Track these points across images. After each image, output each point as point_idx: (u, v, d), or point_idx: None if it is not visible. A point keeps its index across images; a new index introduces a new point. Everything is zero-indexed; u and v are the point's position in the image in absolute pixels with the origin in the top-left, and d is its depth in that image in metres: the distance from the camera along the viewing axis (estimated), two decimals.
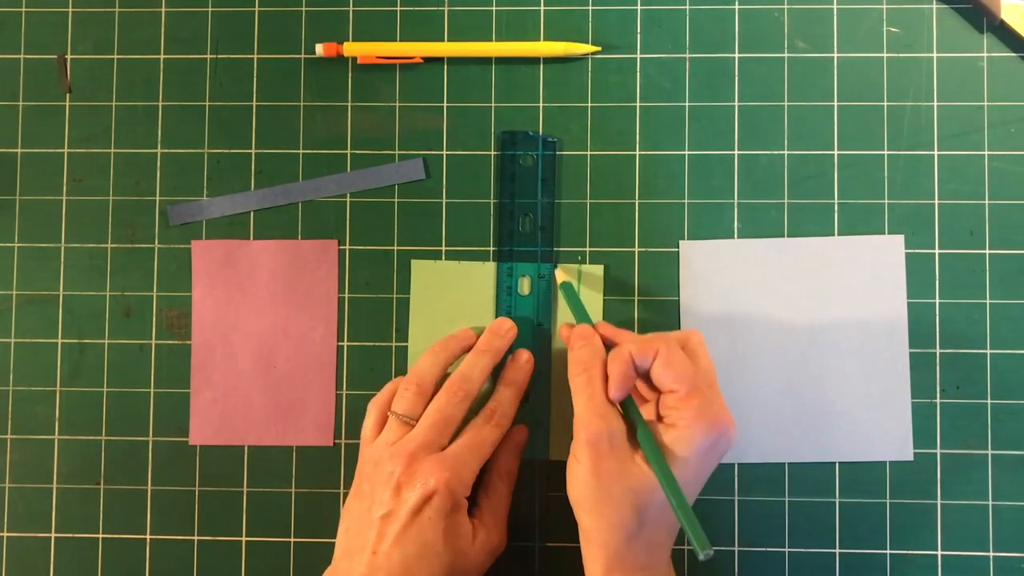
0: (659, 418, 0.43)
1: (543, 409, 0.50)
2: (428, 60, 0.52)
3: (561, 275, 0.50)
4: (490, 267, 0.51)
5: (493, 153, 0.52)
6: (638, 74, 0.52)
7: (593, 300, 0.50)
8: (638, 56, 0.52)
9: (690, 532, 0.40)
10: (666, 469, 0.41)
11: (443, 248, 0.51)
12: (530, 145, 0.51)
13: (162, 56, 0.53)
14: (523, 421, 0.50)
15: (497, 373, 0.49)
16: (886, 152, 0.51)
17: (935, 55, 0.51)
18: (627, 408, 0.44)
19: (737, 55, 0.51)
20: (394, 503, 0.43)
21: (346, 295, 0.52)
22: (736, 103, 0.51)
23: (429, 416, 0.46)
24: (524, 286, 0.51)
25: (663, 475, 0.41)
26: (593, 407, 0.43)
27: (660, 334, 0.45)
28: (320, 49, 0.51)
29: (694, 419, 0.41)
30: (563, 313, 0.50)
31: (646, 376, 0.44)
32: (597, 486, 0.42)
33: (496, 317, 0.50)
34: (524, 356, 0.49)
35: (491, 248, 0.51)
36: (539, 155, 0.51)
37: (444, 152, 0.52)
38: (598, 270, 0.51)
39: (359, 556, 0.43)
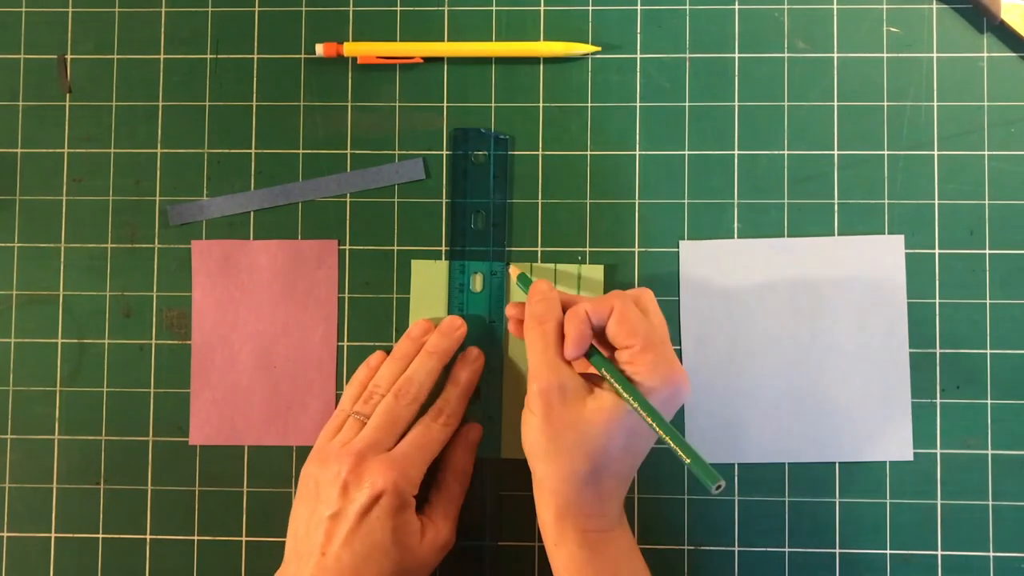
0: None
1: (495, 406, 0.50)
2: (428, 60, 0.52)
3: (515, 269, 0.50)
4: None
5: (445, 153, 0.51)
6: (638, 74, 0.52)
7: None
8: (638, 56, 0.52)
9: (695, 467, 0.40)
10: (645, 402, 0.42)
11: (443, 248, 0.51)
12: (482, 142, 0.51)
13: (162, 56, 0.53)
14: (476, 419, 0.50)
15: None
16: (886, 152, 0.51)
17: (935, 55, 0.51)
18: (593, 357, 0.44)
19: (737, 55, 0.51)
20: (342, 503, 0.44)
21: (346, 295, 0.52)
22: (736, 103, 0.51)
23: (376, 417, 0.46)
24: (476, 283, 0.51)
25: (646, 408, 0.42)
26: (546, 360, 0.44)
27: (614, 292, 0.45)
28: (320, 49, 0.51)
29: (649, 373, 0.42)
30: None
31: (602, 334, 0.44)
32: (549, 435, 0.43)
33: (448, 314, 0.51)
34: (474, 353, 0.50)
35: (443, 247, 0.51)
36: (491, 153, 0.51)
37: (444, 152, 0.52)
38: (598, 270, 0.51)
39: (307, 558, 0.44)
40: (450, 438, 0.48)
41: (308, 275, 0.52)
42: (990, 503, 0.50)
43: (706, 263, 0.51)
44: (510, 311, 0.48)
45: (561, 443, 0.43)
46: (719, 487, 0.40)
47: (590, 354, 0.44)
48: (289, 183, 0.52)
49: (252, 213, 0.52)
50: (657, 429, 0.41)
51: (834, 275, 0.50)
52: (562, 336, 0.44)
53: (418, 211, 0.52)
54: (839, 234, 0.51)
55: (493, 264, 0.51)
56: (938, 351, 0.50)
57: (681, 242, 0.51)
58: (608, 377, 0.43)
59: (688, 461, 0.41)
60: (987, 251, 0.50)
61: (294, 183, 0.52)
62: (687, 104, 0.51)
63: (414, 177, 0.51)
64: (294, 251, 0.52)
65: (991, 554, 0.50)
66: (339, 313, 0.51)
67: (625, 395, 0.42)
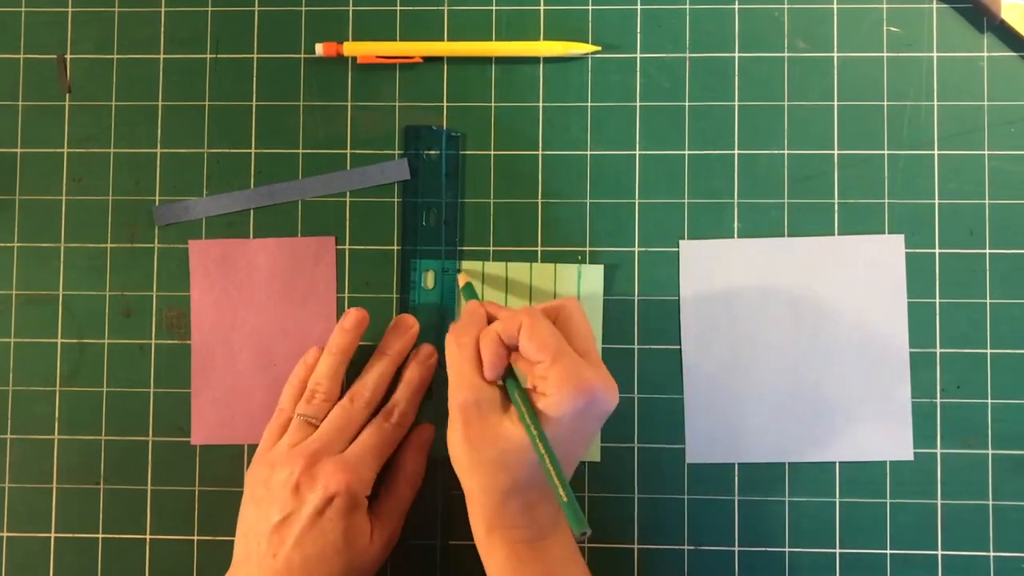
0: (534, 388, 0.44)
1: (447, 404, 0.50)
2: (428, 60, 0.52)
3: (463, 278, 0.50)
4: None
5: (396, 152, 0.51)
6: (638, 74, 0.52)
7: (593, 300, 0.50)
8: (638, 56, 0.52)
9: (566, 508, 0.41)
10: (545, 441, 0.42)
11: (443, 248, 0.51)
12: (434, 140, 0.51)
13: (162, 56, 0.53)
14: (428, 418, 0.50)
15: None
16: (886, 152, 0.51)
17: (935, 55, 0.51)
18: (508, 380, 0.44)
19: (737, 55, 0.51)
20: (294, 504, 0.44)
21: (346, 295, 0.52)
22: (736, 103, 0.51)
23: (329, 420, 0.47)
24: (428, 280, 0.51)
25: (538, 446, 0.42)
26: (462, 377, 0.44)
27: (526, 307, 0.45)
28: (320, 49, 0.51)
29: (559, 385, 0.42)
30: None
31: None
32: (469, 450, 0.43)
33: (399, 312, 0.51)
34: (426, 352, 0.50)
35: (396, 247, 0.51)
36: (443, 150, 0.51)
37: (444, 152, 0.52)
38: (598, 270, 0.51)
39: (258, 560, 0.44)
40: (402, 438, 0.48)
41: (306, 273, 0.52)
42: (990, 503, 0.50)
43: (706, 263, 0.51)
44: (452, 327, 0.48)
45: (481, 458, 0.43)
46: (585, 535, 0.40)
47: (506, 376, 0.44)
48: (275, 183, 0.52)
49: (252, 214, 0.52)
50: (545, 461, 0.41)
51: (834, 275, 0.50)
52: (479, 354, 0.45)
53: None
54: (839, 234, 0.51)
55: (445, 262, 0.51)
56: (938, 351, 0.50)
57: (681, 242, 0.51)
58: (516, 401, 0.43)
59: (565, 500, 0.41)
60: (987, 251, 0.50)
61: (280, 183, 0.52)
62: (687, 104, 0.51)
63: (399, 177, 0.51)
64: (291, 249, 0.52)
65: (991, 554, 0.50)
66: (339, 311, 0.51)
67: (525, 422, 0.42)
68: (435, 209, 0.51)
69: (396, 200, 0.52)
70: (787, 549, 0.50)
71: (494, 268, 0.51)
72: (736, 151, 0.51)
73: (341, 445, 0.46)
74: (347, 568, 0.44)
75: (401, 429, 0.48)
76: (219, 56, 0.52)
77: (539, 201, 0.51)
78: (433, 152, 0.51)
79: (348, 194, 0.52)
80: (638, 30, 0.52)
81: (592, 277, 0.51)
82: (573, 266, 0.51)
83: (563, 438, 0.43)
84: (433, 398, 0.50)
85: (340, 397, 0.48)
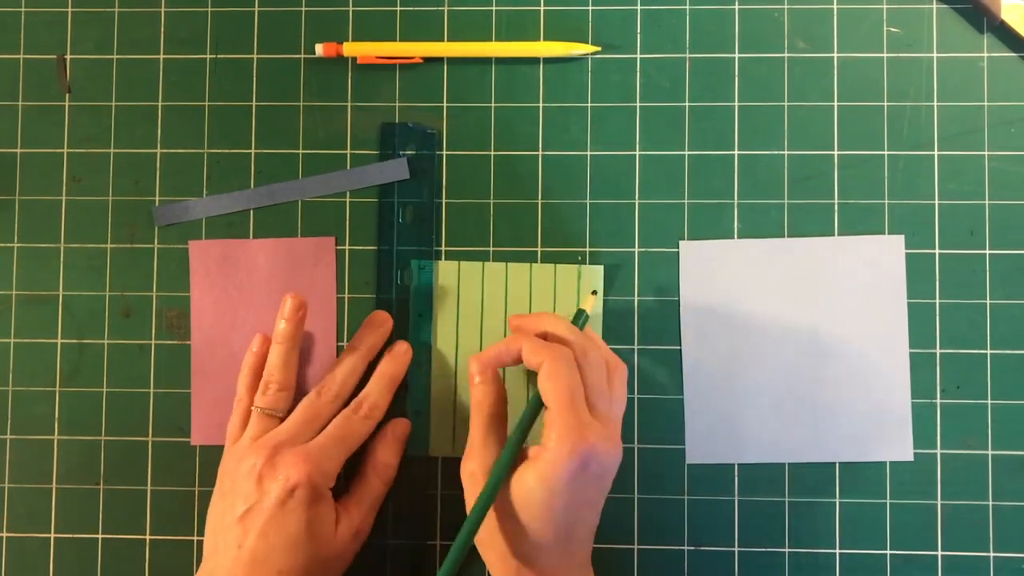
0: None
1: (423, 400, 0.50)
2: (428, 60, 0.52)
3: (590, 301, 0.49)
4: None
5: (371, 152, 0.52)
6: (638, 74, 0.52)
7: (594, 301, 0.50)
8: (638, 56, 0.52)
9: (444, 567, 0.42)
10: (484, 497, 0.42)
11: (443, 248, 0.51)
12: (410, 137, 0.51)
13: (162, 56, 0.53)
14: (403, 413, 0.50)
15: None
16: (886, 152, 0.51)
17: (935, 55, 0.51)
18: (524, 412, 0.45)
19: (737, 55, 0.51)
20: (257, 494, 0.44)
21: (346, 295, 0.51)
22: (736, 103, 0.51)
23: (296, 412, 0.47)
24: (405, 277, 0.51)
25: (477, 502, 0.42)
26: (477, 440, 0.45)
27: (557, 347, 0.44)
28: (320, 49, 0.51)
29: (558, 440, 0.41)
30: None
31: None
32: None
33: (376, 308, 0.51)
34: (401, 348, 0.50)
35: (375, 246, 0.51)
36: (417, 148, 0.51)
37: (444, 152, 0.52)
38: (598, 271, 0.51)
39: (225, 552, 0.44)
40: (373, 431, 0.48)
41: (306, 273, 0.52)
42: (990, 503, 0.50)
43: (706, 263, 0.51)
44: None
45: (492, 524, 0.43)
46: None
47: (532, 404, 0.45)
48: (274, 183, 0.52)
49: (252, 214, 0.52)
50: (473, 510, 0.42)
51: (834, 275, 0.50)
52: (500, 416, 0.45)
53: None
54: (839, 234, 0.51)
55: (421, 260, 0.51)
56: (938, 351, 0.50)
57: (681, 242, 0.51)
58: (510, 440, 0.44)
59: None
60: (987, 251, 0.50)
61: (280, 183, 0.52)
62: (687, 104, 0.51)
63: (398, 177, 0.51)
64: (291, 249, 0.52)
65: (991, 554, 0.50)
66: (340, 313, 0.51)
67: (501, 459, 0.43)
68: (411, 206, 0.51)
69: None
70: (787, 549, 0.50)
71: (494, 268, 0.51)
72: (736, 151, 0.51)
73: (307, 437, 0.46)
74: (312, 558, 0.44)
75: (371, 422, 0.48)
76: (219, 56, 0.52)
77: (539, 201, 0.51)
78: (410, 152, 0.51)
79: (348, 194, 0.52)
80: (638, 30, 0.52)
81: (592, 277, 0.51)
82: (573, 267, 0.51)
83: (559, 504, 0.42)
84: (408, 393, 0.50)
85: (297, 386, 0.48)
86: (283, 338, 0.48)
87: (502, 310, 0.51)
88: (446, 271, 0.51)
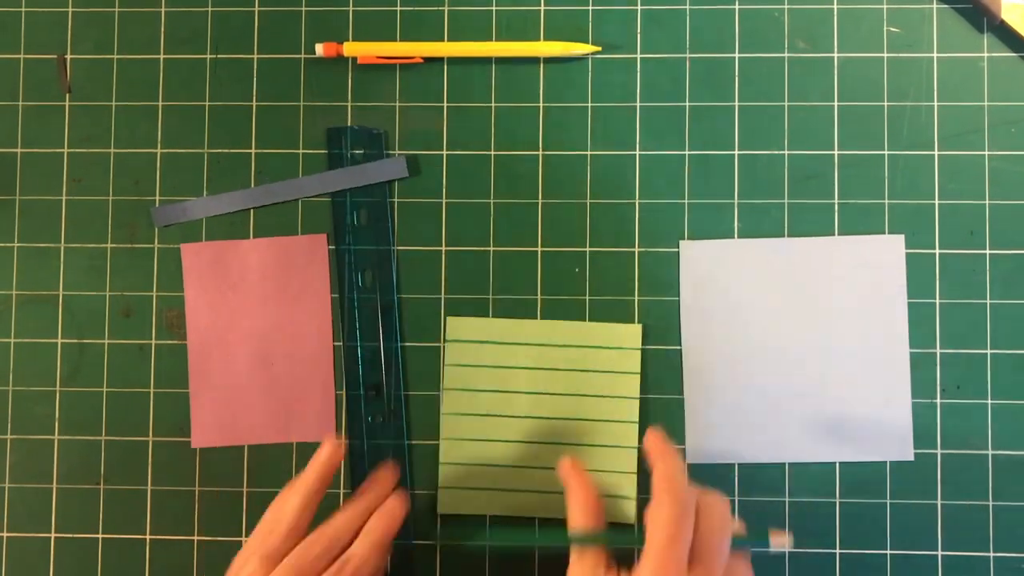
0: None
1: (398, 402, 0.50)
2: (428, 60, 0.52)
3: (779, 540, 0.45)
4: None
5: (321, 152, 0.52)
6: (638, 74, 0.52)
7: (630, 358, 0.50)
8: (638, 56, 0.52)
9: None
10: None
11: (443, 248, 0.51)
12: (357, 139, 0.51)
13: (162, 56, 0.53)
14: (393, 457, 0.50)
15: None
16: (886, 152, 0.51)
17: (935, 55, 0.51)
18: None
19: (737, 55, 0.51)
20: None
21: (345, 295, 0.51)
22: (736, 103, 0.51)
23: (283, 564, 0.44)
24: (367, 278, 0.51)
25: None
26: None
27: (677, 491, 0.41)
28: (320, 49, 0.51)
29: None
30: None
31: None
32: None
33: (343, 308, 0.51)
34: (391, 504, 0.47)
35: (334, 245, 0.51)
36: (365, 149, 0.51)
37: (444, 152, 0.52)
38: (636, 329, 0.51)
39: None
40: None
41: (300, 271, 0.52)
42: (990, 503, 0.50)
43: (706, 263, 0.51)
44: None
45: None
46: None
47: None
48: (272, 183, 0.52)
49: (251, 214, 0.52)
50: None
51: (834, 275, 0.50)
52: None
53: (415, 210, 0.52)
54: (839, 234, 0.51)
55: (381, 261, 0.51)
56: (938, 351, 0.50)
57: (681, 242, 0.51)
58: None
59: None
60: (987, 251, 0.50)
61: (277, 183, 0.52)
62: (687, 104, 0.51)
63: (397, 176, 0.51)
64: (283, 248, 0.52)
65: (991, 554, 0.50)
66: (334, 309, 0.51)
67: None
68: (365, 207, 0.51)
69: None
70: (787, 549, 0.50)
71: (536, 327, 0.51)
72: (736, 151, 0.51)
73: None
74: None
75: None
76: (219, 56, 0.52)
77: (539, 201, 0.51)
78: (359, 152, 0.51)
79: (347, 192, 0.52)
80: (638, 30, 0.52)
81: (629, 335, 0.50)
82: (611, 325, 0.50)
83: None
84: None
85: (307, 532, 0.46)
86: (360, 504, 0.46)
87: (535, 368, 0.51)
88: (485, 326, 0.51)
